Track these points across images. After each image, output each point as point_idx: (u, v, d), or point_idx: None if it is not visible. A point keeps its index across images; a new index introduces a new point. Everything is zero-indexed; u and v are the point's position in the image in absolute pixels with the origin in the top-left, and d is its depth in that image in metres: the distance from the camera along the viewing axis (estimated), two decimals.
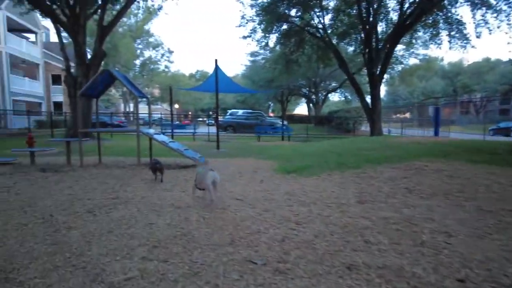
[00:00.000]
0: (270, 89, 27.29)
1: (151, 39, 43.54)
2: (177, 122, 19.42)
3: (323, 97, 32.67)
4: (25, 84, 26.64)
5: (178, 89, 35.20)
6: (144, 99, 7.27)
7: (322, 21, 17.29)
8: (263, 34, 20.03)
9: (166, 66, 48.18)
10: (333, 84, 34.51)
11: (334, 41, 17.69)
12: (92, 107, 13.07)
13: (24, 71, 29.22)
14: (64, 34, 13.81)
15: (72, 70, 13.79)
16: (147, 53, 44.91)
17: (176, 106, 50.33)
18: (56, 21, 12.94)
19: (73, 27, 12.68)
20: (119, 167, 6.61)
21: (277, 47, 22.95)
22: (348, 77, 16.75)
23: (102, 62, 13.72)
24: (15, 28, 26.34)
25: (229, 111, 25.39)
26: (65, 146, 6.78)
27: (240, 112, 24.37)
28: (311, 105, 38.57)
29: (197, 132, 16.76)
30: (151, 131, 6.84)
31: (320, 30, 18.23)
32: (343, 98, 40.35)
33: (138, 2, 17.64)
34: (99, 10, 13.15)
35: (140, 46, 43.63)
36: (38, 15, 28.34)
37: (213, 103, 58.73)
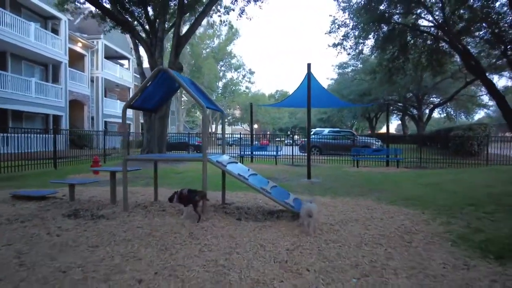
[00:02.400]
0: (367, 103, 23.71)
1: (233, 61, 43.84)
2: (256, 143, 17.62)
3: (427, 113, 27.73)
4: (117, 106, 28.07)
5: (261, 106, 33.68)
6: (220, 114, 5.12)
7: (441, 16, 13.56)
8: (356, 40, 17.18)
9: (247, 87, 48.10)
10: (433, 98, 29.23)
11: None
12: (168, 127, 11.81)
13: (117, 94, 31.11)
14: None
15: None
16: (229, 75, 45.36)
17: (256, 126, 49.57)
18: (134, 36, 12.19)
19: (150, 41, 11.71)
20: (179, 209, 4.48)
21: (373, 56, 19.71)
22: (485, 84, 12.63)
23: None
24: (111, 56, 28.23)
25: (313, 130, 22.69)
26: (110, 177, 4.93)
27: (326, 131, 21.47)
28: (406, 122, 33.54)
29: (280, 155, 14.48)
30: (225, 158, 4.58)
31: (432, 29, 14.59)
32: (444, 115, 34.28)
33: (218, 13, 16.35)
34: (175, 19, 12.06)
35: (222, 68, 44.27)
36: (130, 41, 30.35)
37: (293, 122, 56.43)
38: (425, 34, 14.94)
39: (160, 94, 4.93)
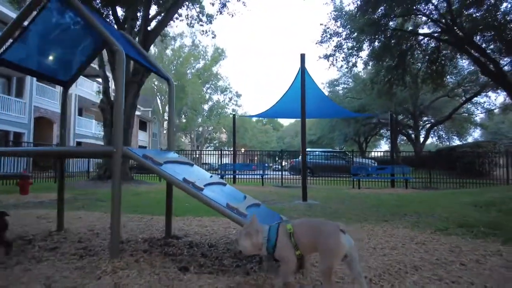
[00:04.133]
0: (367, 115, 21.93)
1: (219, 83, 42.52)
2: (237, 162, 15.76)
3: (424, 132, 26.41)
4: (92, 126, 25.96)
5: (244, 117, 31.59)
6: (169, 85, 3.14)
7: (449, 17, 12.17)
8: (350, 52, 15.86)
9: (233, 110, 46.59)
10: (427, 118, 28.01)
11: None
12: (130, 141, 9.83)
13: (94, 114, 29.04)
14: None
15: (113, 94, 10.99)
16: (215, 97, 43.85)
17: (242, 150, 47.67)
18: None
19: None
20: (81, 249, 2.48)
21: (367, 68, 18.41)
22: (507, 88, 11.11)
23: (145, 80, 10.67)
24: (88, 73, 26.40)
25: None
26: None
27: (318, 151, 19.73)
28: (399, 143, 32.20)
29: (266, 174, 12.57)
30: (170, 155, 2.60)
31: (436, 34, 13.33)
32: (435, 138, 33.13)
33: (200, 22, 14.89)
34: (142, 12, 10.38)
35: (208, 91, 42.83)
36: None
37: (280, 146, 54.66)
38: (427, 40, 13.67)
39: (64, 50, 3.00)
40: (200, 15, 15.69)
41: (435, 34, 13.29)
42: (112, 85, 11.44)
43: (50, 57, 2.96)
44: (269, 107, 10.26)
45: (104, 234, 3.17)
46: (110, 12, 10.89)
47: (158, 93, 36.17)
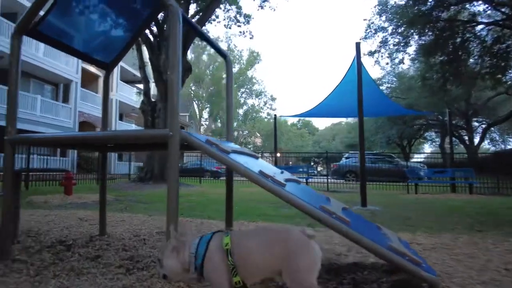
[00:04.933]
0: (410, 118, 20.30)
1: (254, 87, 42.31)
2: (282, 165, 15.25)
3: (480, 133, 24.26)
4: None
5: (285, 117, 30.74)
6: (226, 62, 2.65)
7: None
8: (396, 48, 14.83)
9: (268, 114, 46.14)
10: (479, 118, 25.70)
11: None
12: None
13: (134, 119, 29.87)
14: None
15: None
16: (250, 101, 43.69)
17: (278, 155, 47.13)
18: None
19: (157, 42, 9.80)
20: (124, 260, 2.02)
21: (414, 65, 17.23)
22: None
23: (186, 79, 10.41)
24: (129, 79, 27.22)
25: (346, 154, 19.91)
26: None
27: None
28: (445, 145, 29.95)
29: (310, 178, 11.87)
30: (231, 145, 2.06)
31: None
32: (488, 140, 30.38)
33: (237, 23, 14.60)
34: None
35: (243, 95, 42.75)
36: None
37: (316, 151, 53.26)
38: (486, 31, 12.35)
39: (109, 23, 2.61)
40: (238, 15, 15.43)
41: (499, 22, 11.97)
42: (152, 86, 11.36)
43: (92, 33, 2.58)
44: (306, 108, 9.65)
45: (152, 241, 2.71)
46: None
47: (194, 98, 36.60)
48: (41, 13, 2.22)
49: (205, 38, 2.76)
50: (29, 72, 17.15)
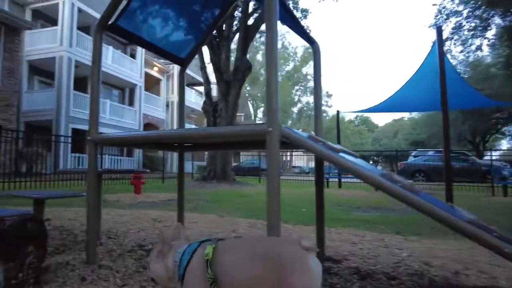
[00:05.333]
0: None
1: (309, 84, 41.45)
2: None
3: None
4: None
5: (349, 113, 29.51)
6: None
7: None
8: (473, 33, 13.30)
9: (324, 111, 44.98)
10: None
11: None
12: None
13: (194, 120, 30.98)
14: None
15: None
16: (305, 99, 42.94)
17: None
18: None
19: (216, 42, 9.85)
20: None
21: (493, 51, 15.37)
22: None
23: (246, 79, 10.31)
24: (187, 82, 28.30)
25: (414, 152, 18.44)
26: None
27: (431, 152, 17.07)
28: None
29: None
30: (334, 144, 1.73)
31: None
32: None
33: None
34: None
35: (298, 93, 42.17)
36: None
37: (376, 149, 50.38)
38: None
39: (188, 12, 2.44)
40: (295, 10, 15.04)
41: None
42: (213, 86, 11.49)
43: (169, 28, 2.45)
44: (364, 104, 8.90)
45: None
46: None
47: (249, 98, 36.93)
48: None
49: (295, 23, 2.45)
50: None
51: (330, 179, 11.51)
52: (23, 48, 14.21)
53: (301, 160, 40.89)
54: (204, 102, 10.51)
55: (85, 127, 15.56)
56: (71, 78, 15.20)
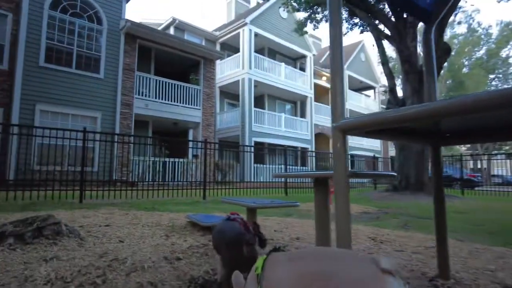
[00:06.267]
0: None
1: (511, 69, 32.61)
2: None
3: None
4: (363, 138, 26.05)
5: None
6: None
7: None
8: None
9: None
10: None
11: None
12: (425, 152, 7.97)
13: None
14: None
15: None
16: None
17: None
18: (381, 21, 9.29)
19: (403, 27, 8.55)
20: None
21: None
22: None
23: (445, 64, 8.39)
24: (355, 87, 27.20)
25: None
26: None
27: None
28: None
29: None
30: None
31: None
32: None
33: None
34: None
35: (494, 82, 33.83)
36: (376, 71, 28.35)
37: None
38: None
39: None
40: None
41: None
42: (399, 82, 10.09)
43: None
44: None
45: None
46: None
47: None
48: None
49: None
50: (274, 95, 19.99)
51: None
52: (216, 76, 16.74)
53: (505, 166, 32.21)
54: (388, 101, 9.23)
55: (264, 140, 16.83)
56: (251, 97, 16.82)
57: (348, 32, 11.44)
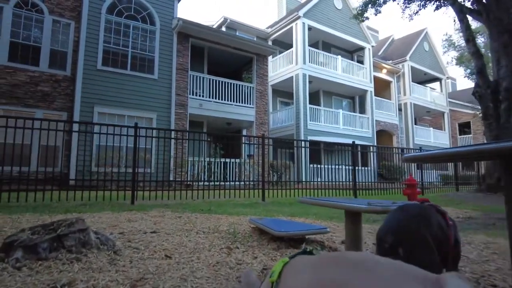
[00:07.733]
0: None
1: None
2: None
3: None
4: (430, 135, 23.53)
5: None
6: None
7: None
8: None
9: None
10: None
11: None
12: None
13: (428, 122, 26.74)
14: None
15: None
16: None
17: None
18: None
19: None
20: None
21: None
22: None
23: None
24: (419, 79, 24.77)
25: None
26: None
27: None
28: None
29: None
30: None
31: None
32: None
33: None
34: None
35: None
36: (443, 63, 25.53)
37: None
38: None
39: None
40: None
41: None
42: (489, 61, 8.45)
43: None
44: None
45: None
46: None
47: None
48: None
49: None
50: (330, 90, 18.76)
51: None
52: (268, 74, 16.07)
53: None
54: (476, 85, 7.63)
55: (321, 138, 15.69)
56: (306, 93, 15.85)
57: (420, 10, 9.91)
